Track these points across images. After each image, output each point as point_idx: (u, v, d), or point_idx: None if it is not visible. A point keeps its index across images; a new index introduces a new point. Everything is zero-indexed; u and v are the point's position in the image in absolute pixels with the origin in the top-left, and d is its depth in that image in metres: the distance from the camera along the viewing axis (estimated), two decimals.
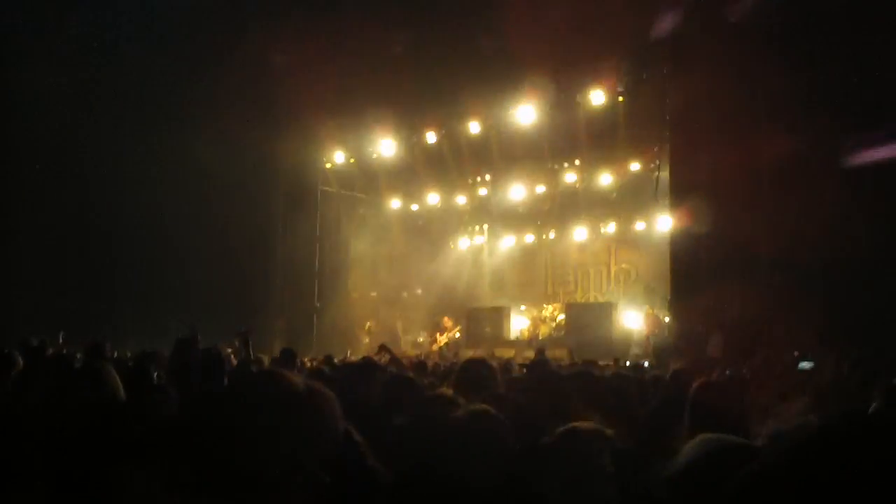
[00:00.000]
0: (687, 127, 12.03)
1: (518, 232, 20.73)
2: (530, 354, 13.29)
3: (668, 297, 13.22)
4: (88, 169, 15.40)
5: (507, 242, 21.06)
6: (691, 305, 11.50)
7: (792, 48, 10.32)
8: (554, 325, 17.90)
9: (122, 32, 16.00)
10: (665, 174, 14.24)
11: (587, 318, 16.53)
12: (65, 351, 12.98)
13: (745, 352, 8.94)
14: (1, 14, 14.38)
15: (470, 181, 18.90)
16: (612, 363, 9.93)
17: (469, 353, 15.03)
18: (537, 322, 18.02)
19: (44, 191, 15.01)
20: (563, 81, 14.51)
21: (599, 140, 15.47)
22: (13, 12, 14.48)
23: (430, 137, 16.69)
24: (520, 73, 14.20)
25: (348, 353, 14.60)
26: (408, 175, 18.39)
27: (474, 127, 16.07)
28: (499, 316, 18.51)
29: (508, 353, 14.33)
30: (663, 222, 15.52)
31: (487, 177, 18.61)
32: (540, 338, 16.85)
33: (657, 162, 15.29)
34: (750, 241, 10.70)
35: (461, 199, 19.47)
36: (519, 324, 18.77)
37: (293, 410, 1.30)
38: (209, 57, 15.04)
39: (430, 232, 20.68)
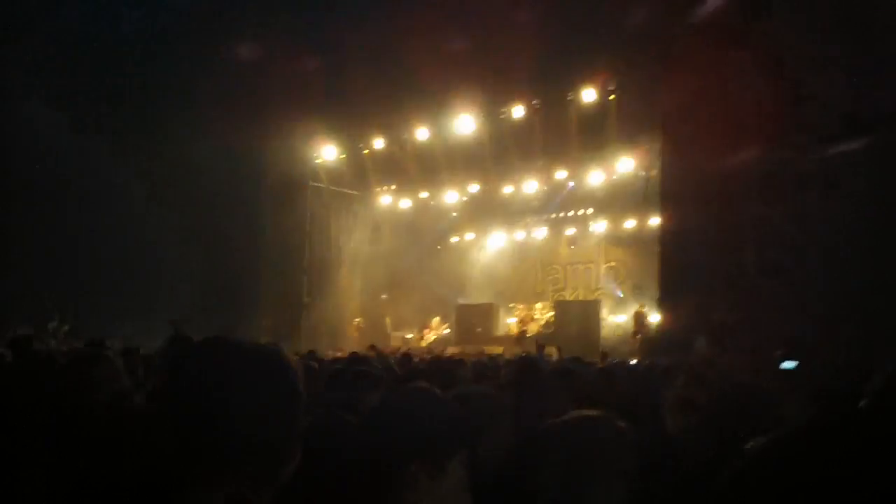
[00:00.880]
0: (678, 128, 12.05)
1: (508, 229, 20.75)
2: (519, 351, 13.29)
3: (657, 296, 13.27)
4: (75, 166, 15.30)
5: (498, 239, 21.07)
6: (680, 305, 11.55)
7: (784, 52, 10.35)
8: (543, 322, 17.93)
9: (113, 29, 15.92)
10: (656, 174, 14.29)
11: (575, 316, 16.57)
12: (54, 341, 12.93)
13: (729, 352, 8.98)
14: None
15: (460, 178, 18.87)
16: (599, 360, 9.94)
17: (457, 350, 15.05)
18: (527, 319, 18.06)
19: (33, 189, 14.93)
20: (554, 79, 14.49)
21: (591, 138, 15.47)
22: (3, 10, 14.35)
23: (422, 134, 16.64)
24: (511, 70, 14.17)
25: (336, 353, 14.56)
26: (398, 171, 18.34)
27: (465, 124, 16.04)
28: (488, 313, 18.54)
29: (497, 350, 14.35)
30: (653, 222, 15.57)
31: (478, 174, 18.58)
32: (528, 335, 16.87)
33: (648, 161, 15.32)
34: (739, 242, 10.75)
35: (452, 196, 19.44)
36: (508, 321, 18.80)
37: (243, 375, 1.18)
38: (198, 53, 14.94)
39: (421, 228, 20.64)
